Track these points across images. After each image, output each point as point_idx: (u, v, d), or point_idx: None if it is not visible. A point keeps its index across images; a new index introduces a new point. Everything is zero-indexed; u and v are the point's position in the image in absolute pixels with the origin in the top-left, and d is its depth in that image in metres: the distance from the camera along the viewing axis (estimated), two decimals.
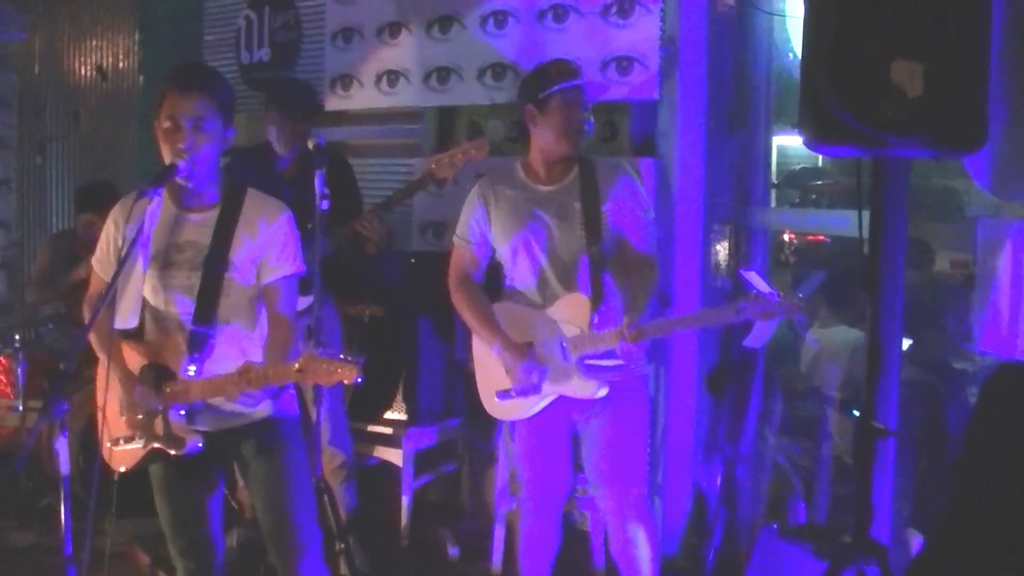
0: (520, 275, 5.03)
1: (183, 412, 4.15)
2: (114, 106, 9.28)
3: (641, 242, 4.90)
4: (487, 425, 6.71)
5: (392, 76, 7.42)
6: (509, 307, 5.05)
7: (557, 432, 5.03)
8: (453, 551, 6.59)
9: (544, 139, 4.93)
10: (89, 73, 9.26)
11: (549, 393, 4.90)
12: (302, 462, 4.40)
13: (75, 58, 9.25)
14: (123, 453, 4.25)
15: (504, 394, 4.96)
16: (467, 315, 5.09)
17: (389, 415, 6.72)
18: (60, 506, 3.54)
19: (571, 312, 4.87)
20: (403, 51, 7.37)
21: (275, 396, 4.23)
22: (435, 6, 7.19)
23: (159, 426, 4.14)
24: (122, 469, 4.32)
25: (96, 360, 4.31)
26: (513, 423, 5.18)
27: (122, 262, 3.95)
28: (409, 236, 7.26)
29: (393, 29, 7.43)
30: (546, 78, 4.96)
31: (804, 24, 4.02)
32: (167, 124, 4.09)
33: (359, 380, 3.83)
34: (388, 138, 7.83)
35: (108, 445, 4.28)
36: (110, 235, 4.36)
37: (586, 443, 5.03)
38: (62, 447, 3.57)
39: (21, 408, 7.03)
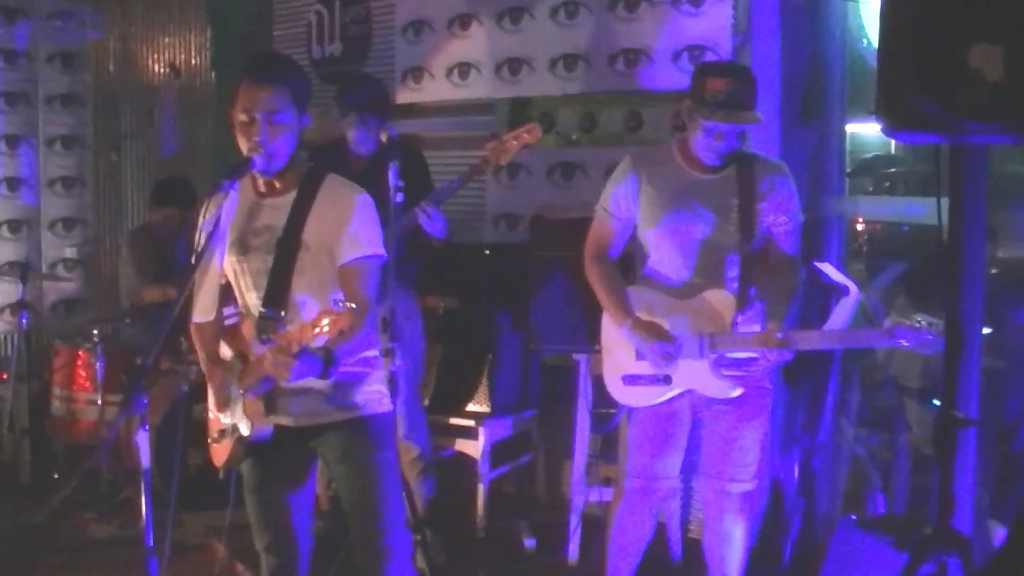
0: (663, 262, 4.95)
1: (260, 392, 4.10)
2: (187, 103, 9.35)
3: (789, 247, 4.86)
4: (563, 416, 6.71)
5: (463, 68, 7.42)
6: (646, 292, 4.96)
7: (678, 424, 5.00)
8: (529, 542, 6.58)
9: (694, 140, 4.84)
10: (162, 71, 9.34)
11: (678, 386, 4.86)
12: (391, 462, 4.36)
13: (148, 56, 9.33)
14: (218, 448, 4.31)
15: (632, 379, 4.92)
16: (600, 292, 4.99)
17: (467, 408, 6.74)
18: (139, 499, 3.56)
19: (714, 309, 4.82)
20: (474, 43, 7.37)
21: (359, 388, 4.27)
22: None
23: (238, 412, 4.17)
24: (220, 464, 4.35)
25: (172, 354, 4.37)
26: (632, 408, 5.08)
27: (199, 257, 3.97)
28: (482, 228, 7.26)
29: (464, 21, 7.43)
30: (710, 94, 4.74)
31: (881, 10, 3.96)
32: (242, 117, 4.08)
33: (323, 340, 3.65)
34: (460, 130, 7.82)
35: (210, 442, 4.36)
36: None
37: (705, 435, 5.01)
38: (142, 441, 3.59)
39: (100, 402, 7.10)
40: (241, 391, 4.12)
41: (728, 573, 5.08)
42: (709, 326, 4.78)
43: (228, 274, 4.29)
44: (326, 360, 3.84)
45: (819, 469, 5.96)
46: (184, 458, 4.49)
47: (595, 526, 6.15)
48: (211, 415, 4.35)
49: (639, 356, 4.88)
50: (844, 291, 5.28)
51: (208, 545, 6.24)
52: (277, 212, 4.18)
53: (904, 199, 6.14)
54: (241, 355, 4.20)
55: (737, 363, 4.78)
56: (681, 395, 4.89)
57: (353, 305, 3.62)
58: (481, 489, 6.67)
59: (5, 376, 7.91)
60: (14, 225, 8.94)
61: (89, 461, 6.79)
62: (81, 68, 9.19)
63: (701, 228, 4.83)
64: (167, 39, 9.32)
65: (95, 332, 7.26)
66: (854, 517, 5.67)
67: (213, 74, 9.35)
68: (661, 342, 4.76)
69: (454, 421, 6.70)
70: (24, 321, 7.58)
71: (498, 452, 6.81)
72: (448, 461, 6.69)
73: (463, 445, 6.69)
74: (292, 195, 4.19)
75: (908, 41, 3.81)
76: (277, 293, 4.15)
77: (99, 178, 9.26)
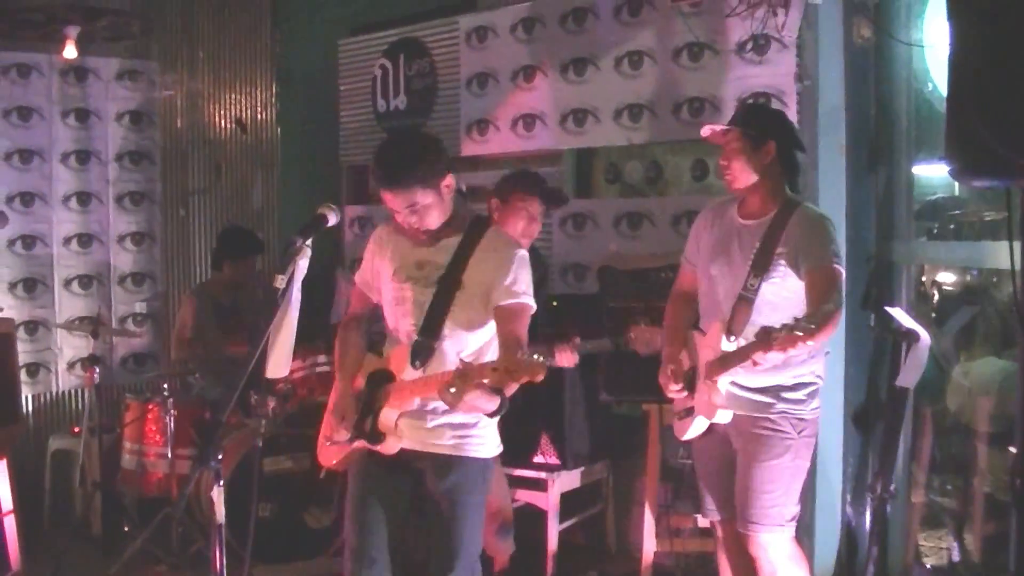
0: (703, 302, 5.17)
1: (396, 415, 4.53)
2: (254, 158, 9.44)
3: (818, 285, 4.72)
4: (633, 466, 6.69)
5: (528, 119, 7.47)
6: (696, 333, 5.14)
7: (720, 453, 5.09)
8: None
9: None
10: (229, 126, 9.44)
11: (698, 416, 4.98)
12: (480, 505, 4.67)
13: (216, 112, 9.43)
14: (331, 449, 4.74)
15: (680, 413, 5.12)
16: (665, 326, 5.31)
17: (536, 459, 6.72)
18: (210, 552, 3.59)
19: (713, 338, 4.92)
20: (539, 94, 7.42)
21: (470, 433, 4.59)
22: (569, 48, 7.23)
23: (367, 424, 4.56)
24: (332, 463, 4.82)
25: (243, 408, 4.46)
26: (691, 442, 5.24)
27: (274, 313, 4.05)
28: (551, 278, 7.28)
29: (528, 73, 7.48)
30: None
31: (950, 54, 3.94)
32: (386, 206, 4.50)
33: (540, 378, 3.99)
34: None
35: (324, 441, 4.80)
36: (372, 256, 4.81)
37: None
38: (218, 496, 3.62)
39: (170, 456, 7.14)
40: (375, 407, 4.56)
41: None
42: (709, 355, 4.89)
43: (386, 300, 4.70)
44: (501, 400, 4.23)
45: (892, 517, 5.89)
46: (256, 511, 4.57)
47: None
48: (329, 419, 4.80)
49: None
50: (915, 337, 5.27)
51: None
52: (439, 252, 4.57)
53: (973, 243, 6.06)
54: (381, 371, 4.64)
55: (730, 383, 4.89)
56: (710, 427, 5.02)
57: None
58: (551, 542, 6.64)
59: (77, 430, 7.97)
60: (85, 281, 9.03)
61: (163, 515, 6.83)
62: (149, 125, 9.29)
63: (731, 271, 4.96)
64: (233, 95, 9.43)
65: (165, 386, 7.31)
66: (929, 566, 5.61)
67: (279, 129, 9.44)
68: (667, 377, 5.06)
69: (523, 473, 6.68)
70: (96, 375, 7.65)
71: (568, 503, 6.79)
72: (518, 512, 6.66)
73: (531, 496, 6.67)
74: (457, 239, 4.57)
75: (977, 85, 3.78)
76: (433, 324, 4.53)
77: (168, 233, 9.34)
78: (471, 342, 4.58)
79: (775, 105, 6.17)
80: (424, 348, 4.51)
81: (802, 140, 5.18)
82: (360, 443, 4.60)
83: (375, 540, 4.59)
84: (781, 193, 4.97)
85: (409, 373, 4.51)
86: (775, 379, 4.82)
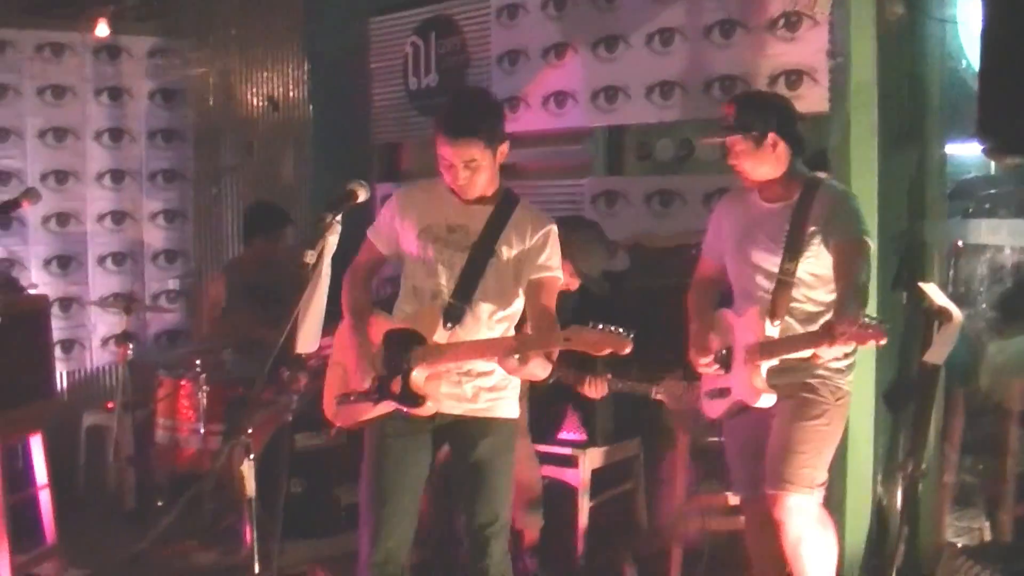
0: (734, 285, 5.20)
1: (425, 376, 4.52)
2: (286, 135, 9.45)
3: (848, 260, 4.80)
4: (664, 444, 6.68)
5: (559, 97, 7.46)
6: (726, 314, 5.17)
7: (753, 433, 5.11)
8: (630, 573, 6.55)
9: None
10: (261, 104, 9.45)
11: (735, 396, 5.01)
12: (512, 464, 4.79)
13: (247, 90, 9.44)
14: (352, 408, 4.61)
15: (709, 392, 5.17)
16: (689, 310, 5.34)
17: (564, 435, 6.72)
18: (241, 527, 3.62)
19: (753, 320, 4.92)
20: (569, 71, 7.41)
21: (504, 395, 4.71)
22: (600, 25, 7.21)
23: (397, 385, 4.49)
24: (352, 422, 4.74)
25: (274, 384, 4.47)
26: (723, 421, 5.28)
27: (304, 290, 4.07)
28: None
29: (559, 50, 7.47)
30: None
31: (983, 31, 3.93)
32: (442, 160, 4.50)
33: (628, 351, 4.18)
34: (557, 159, 7.85)
35: (334, 402, 4.70)
36: (394, 215, 4.76)
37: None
38: (248, 471, 3.64)
39: (202, 431, 7.17)
40: (405, 367, 4.50)
41: None
42: (750, 338, 4.89)
43: (409, 259, 4.70)
44: (552, 368, 4.41)
45: (923, 496, 5.88)
46: (287, 487, 4.59)
47: (697, 556, 6.11)
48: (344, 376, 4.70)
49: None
50: (948, 315, 5.26)
51: (310, 572, 6.28)
52: (472, 219, 4.64)
53: (1007, 221, 6.03)
54: (403, 331, 4.60)
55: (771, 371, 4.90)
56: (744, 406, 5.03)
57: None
58: (581, 519, 6.65)
59: (111, 405, 8.02)
60: (118, 258, 9.07)
61: (194, 490, 6.86)
62: (181, 103, 9.31)
63: (765, 256, 4.98)
64: (265, 73, 9.44)
65: (197, 363, 7.35)
66: (960, 545, 5.60)
67: (311, 107, 9.45)
68: (699, 357, 5.10)
69: (554, 449, 6.69)
70: (129, 351, 7.70)
71: (599, 480, 6.79)
72: (547, 489, 6.66)
73: (561, 473, 6.67)
74: (489, 208, 4.64)
75: (1010, 62, 3.77)
76: (467, 289, 4.59)
77: (200, 211, 9.37)
78: (501, 310, 4.68)
79: (807, 84, 6.17)
80: (457, 311, 4.57)
81: (796, 116, 5.17)
82: (386, 404, 4.57)
83: (397, 508, 4.62)
84: (799, 172, 5.02)
85: (441, 335, 4.55)
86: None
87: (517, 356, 4.26)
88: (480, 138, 4.47)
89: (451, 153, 4.47)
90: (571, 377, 6.05)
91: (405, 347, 4.54)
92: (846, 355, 4.90)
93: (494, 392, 4.71)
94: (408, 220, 4.69)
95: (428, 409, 4.54)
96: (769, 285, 4.94)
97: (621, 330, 4.20)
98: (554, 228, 4.73)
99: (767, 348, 4.83)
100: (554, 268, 4.68)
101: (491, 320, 4.66)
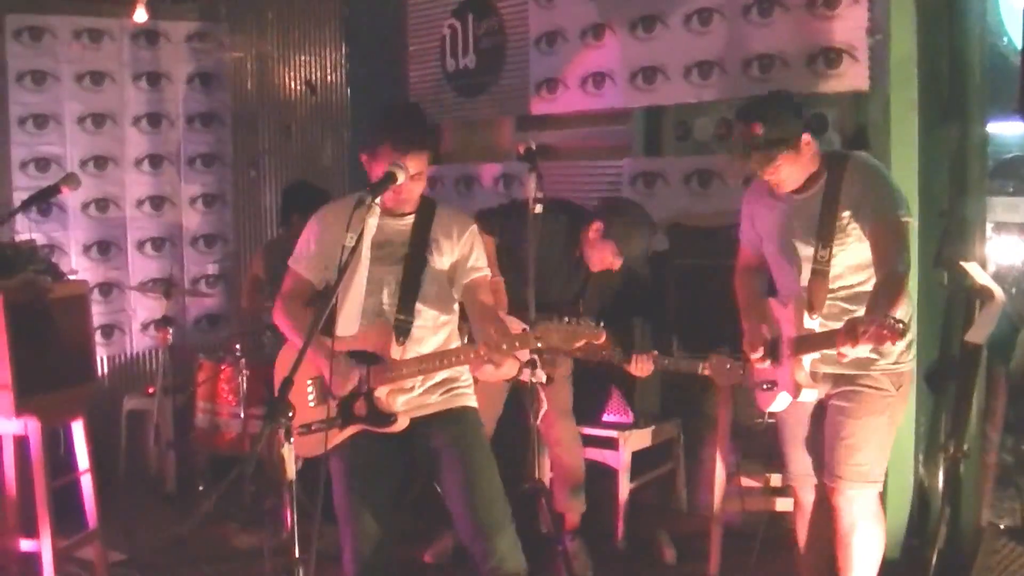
0: (776, 277, 5.14)
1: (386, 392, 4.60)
2: (324, 119, 9.46)
3: (885, 243, 4.70)
4: (705, 425, 6.67)
5: (598, 77, 7.44)
6: (775, 304, 5.07)
7: (807, 418, 5.10)
8: (670, 554, 6.55)
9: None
10: (299, 88, 9.46)
11: (781, 390, 4.92)
12: (487, 449, 4.75)
13: (285, 73, 9.45)
14: (312, 440, 4.48)
15: (764, 385, 5.05)
16: (738, 301, 5.27)
17: (606, 417, 6.72)
18: (282, 510, 3.62)
19: (793, 313, 4.85)
20: (607, 52, 7.38)
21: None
22: (638, 5, 7.19)
23: (361, 407, 4.57)
24: (320, 451, 4.50)
25: None
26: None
27: (342, 272, 4.06)
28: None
29: (596, 31, 7.45)
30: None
31: None
32: (387, 169, 4.42)
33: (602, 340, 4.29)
34: (596, 139, 7.83)
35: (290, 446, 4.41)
36: (319, 237, 4.78)
37: (824, 434, 5.03)
38: (288, 453, 3.64)
39: (243, 415, 7.20)
40: (366, 389, 4.58)
41: None
42: (789, 329, 4.85)
43: (348, 280, 4.56)
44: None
45: (964, 477, 5.84)
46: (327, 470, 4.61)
47: (736, 537, 6.10)
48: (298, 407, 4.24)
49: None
50: (990, 294, 5.21)
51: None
52: (397, 232, 4.70)
53: None
54: (355, 352, 4.63)
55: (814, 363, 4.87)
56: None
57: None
58: (621, 501, 6.65)
59: (152, 390, 8.06)
60: (157, 243, 9.10)
61: (234, 473, 6.89)
62: (219, 88, 9.33)
63: (800, 247, 4.90)
64: (303, 57, 9.45)
65: (237, 346, 7.37)
66: (1001, 526, 5.56)
67: (348, 90, 9.45)
68: (752, 352, 5.01)
69: (594, 431, 6.69)
70: (169, 336, 7.72)
71: (639, 462, 6.79)
72: (589, 471, 6.65)
73: (602, 455, 6.68)
74: (411, 218, 4.73)
75: None
76: (410, 302, 4.65)
77: (238, 195, 9.39)
78: (444, 315, 4.78)
79: (847, 62, 6.13)
80: (406, 324, 4.65)
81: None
82: (352, 428, 4.62)
83: (372, 523, 4.58)
84: (818, 156, 4.89)
85: (396, 351, 4.61)
86: None
87: (495, 358, 4.38)
88: (428, 149, 4.63)
89: (415, 163, 4.54)
90: (618, 356, 6.03)
91: (358, 368, 4.61)
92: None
93: (446, 387, 4.76)
94: (335, 244, 4.45)
95: (400, 425, 4.60)
96: (806, 277, 4.88)
97: (591, 320, 4.29)
98: (475, 227, 4.88)
99: (801, 343, 4.79)
100: (483, 268, 4.84)
101: (437, 326, 4.77)
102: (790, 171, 4.80)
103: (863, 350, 4.43)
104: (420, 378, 4.67)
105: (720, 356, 5.64)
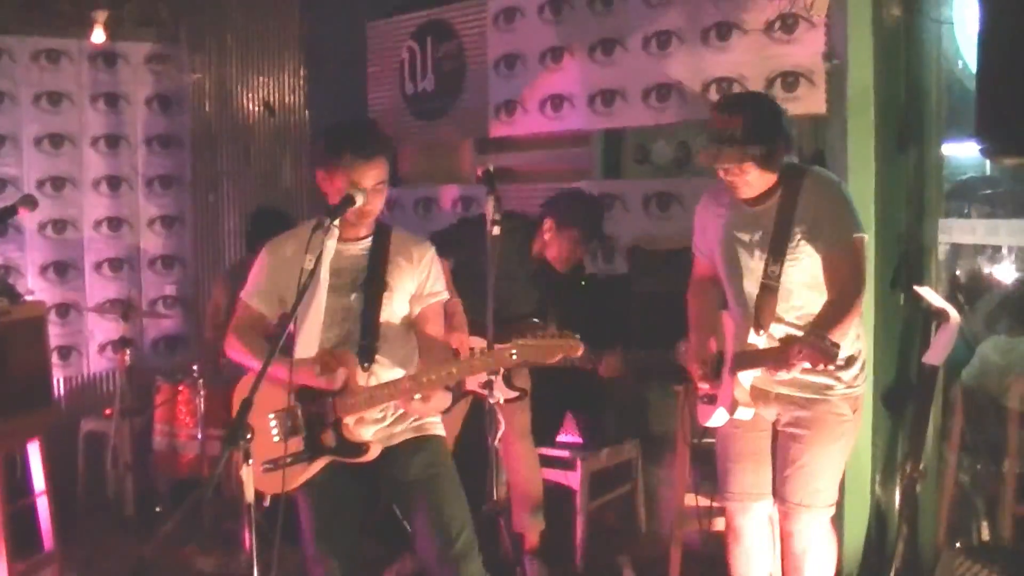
0: (727, 291, 5.03)
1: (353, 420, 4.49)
2: (283, 141, 9.46)
3: (838, 265, 4.67)
4: (662, 446, 6.69)
5: (556, 100, 7.46)
6: (726, 317, 5.02)
7: (750, 437, 5.03)
8: (629, 575, 6.55)
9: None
10: (258, 109, 9.45)
11: (720, 406, 4.88)
12: (455, 479, 4.65)
13: (244, 95, 9.44)
14: (278, 476, 4.35)
15: (703, 398, 5.02)
16: (688, 313, 5.20)
17: (563, 438, 6.74)
18: (241, 532, 3.61)
19: (736, 328, 4.86)
20: (567, 75, 7.42)
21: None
22: (596, 29, 7.22)
23: (329, 438, 4.44)
24: (286, 488, 4.40)
25: None
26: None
27: (300, 294, 4.06)
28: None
29: (556, 54, 7.49)
30: (707, 130, 4.91)
31: (980, 32, 3.94)
32: (349, 189, 4.42)
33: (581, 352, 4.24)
34: (555, 162, 7.86)
35: (259, 470, 4.35)
36: (273, 268, 4.67)
37: (776, 455, 5.01)
38: (247, 476, 3.63)
39: (201, 437, 7.18)
40: (332, 420, 4.45)
41: None
42: (735, 347, 4.82)
43: (305, 311, 4.49)
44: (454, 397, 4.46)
45: (922, 497, 5.88)
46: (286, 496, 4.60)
47: (696, 558, 6.12)
48: (259, 442, 4.18)
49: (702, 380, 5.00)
50: (946, 316, 5.25)
51: None
52: (354, 258, 4.62)
53: (1004, 221, 6.04)
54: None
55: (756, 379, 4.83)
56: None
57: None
58: (580, 521, 6.66)
59: (109, 412, 8.02)
60: (115, 264, 9.07)
61: (195, 496, 6.87)
62: (178, 109, 9.31)
63: (750, 261, 4.83)
64: (262, 78, 9.44)
65: (195, 368, 7.35)
66: (959, 545, 5.60)
67: (307, 112, 9.45)
68: (695, 367, 4.96)
69: (552, 452, 6.71)
70: (127, 357, 7.70)
71: (598, 482, 6.80)
72: (547, 491, 6.66)
73: (560, 476, 6.69)
74: (368, 241, 4.65)
75: (1008, 62, 3.77)
76: (372, 327, 4.56)
77: (197, 217, 9.36)
78: (404, 341, 4.71)
79: (804, 86, 6.17)
80: (370, 350, 4.56)
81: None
82: (321, 460, 4.50)
83: (341, 556, 4.56)
84: (778, 168, 4.77)
85: (361, 377, 4.49)
86: None
87: (418, 396, 4.36)
88: (387, 158, 4.57)
89: (375, 172, 4.50)
90: (588, 359, 6.05)
91: (322, 398, 4.47)
92: (852, 359, 4.81)
93: (414, 417, 4.67)
94: (290, 275, 4.46)
95: (372, 454, 4.52)
96: (754, 292, 4.82)
97: (569, 333, 4.24)
98: (433, 250, 4.80)
99: (741, 360, 4.76)
100: (440, 291, 4.78)
101: (400, 351, 4.68)
102: (756, 176, 4.69)
103: (798, 372, 4.47)
104: (392, 407, 4.59)
105: (686, 344, 5.64)
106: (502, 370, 5.18)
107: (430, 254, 4.77)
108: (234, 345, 4.68)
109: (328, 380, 4.44)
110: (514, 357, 4.26)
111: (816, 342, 4.22)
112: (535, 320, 6.15)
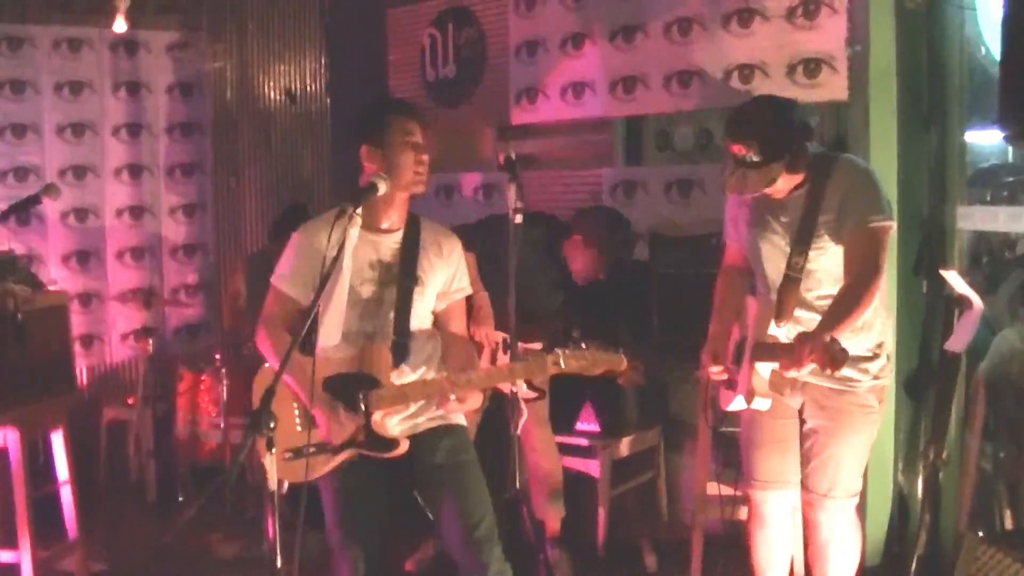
0: (756, 279, 5.01)
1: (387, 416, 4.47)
2: (304, 128, 9.47)
3: (856, 250, 4.61)
4: (684, 433, 6.68)
5: (578, 87, 7.45)
6: (751, 303, 5.01)
7: (774, 425, 5.00)
8: (651, 561, 6.56)
9: None
10: (279, 97, 9.46)
11: (740, 392, 4.87)
12: (477, 466, 4.67)
13: (265, 82, 9.45)
14: (301, 465, 4.31)
15: (726, 383, 5.00)
16: (714, 299, 5.16)
17: (583, 426, 6.73)
18: (264, 519, 3.61)
19: (759, 318, 4.85)
20: (588, 61, 7.40)
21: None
22: (618, 15, 7.20)
23: (358, 433, 4.39)
24: (311, 476, 4.42)
25: None
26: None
27: (323, 281, 4.05)
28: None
29: (576, 40, 7.46)
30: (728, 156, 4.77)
31: (1003, 17, 3.91)
32: (409, 143, 4.54)
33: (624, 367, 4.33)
34: (576, 149, 7.85)
35: (281, 457, 4.30)
36: (304, 252, 4.58)
37: (802, 445, 4.97)
38: (270, 463, 3.63)
39: (223, 425, 7.20)
40: (361, 415, 4.41)
41: None
42: (758, 335, 4.80)
43: (338, 303, 4.47)
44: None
45: (944, 484, 5.86)
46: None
47: (717, 545, 6.11)
48: (283, 430, 4.23)
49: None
50: (968, 303, 5.22)
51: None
52: (384, 250, 4.58)
53: None
54: (345, 375, 4.48)
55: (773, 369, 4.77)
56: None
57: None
58: (601, 509, 6.66)
59: (132, 400, 8.05)
60: (137, 252, 9.10)
61: (217, 482, 6.88)
62: (200, 97, 9.33)
63: (776, 251, 4.81)
64: (283, 66, 9.45)
65: (217, 356, 7.37)
66: (981, 533, 5.58)
67: (329, 99, 9.46)
68: (708, 355, 4.95)
69: (573, 440, 6.70)
70: (149, 346, 7.72)
71: (619, 470, 6.80)
72: (569, 479, 6.66)
73: (582, 464, 6.69)
74: (399, 234, 4.61)
75: None
76: (404, 323, 4.55)
77: (219, 204, 9.38)
78: (429, 336, 4.70)
79: (826, 72, 6.15)
80: (402, 347, 4.55)
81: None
82: (347, 454, 4.45)
83: (367, 546, 4.56)
84: (805, 159, 4.72)
85: (395, 375, 4.50)
86: (856, 346, 4.65)
87: (453, 397, 4.39)
88: (428, 125, 4.69)
89: (413, 130, 4.58)
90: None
91: (352, 391, 4.43)
92: (878, 349, 4.79)
93: (435, 406, 4.62)
94: (319, 258, 4.34)
95: (402, 449, 4.48)
96: (778, 280, 4.78)
97: (614, 349, 4.30)
98: (460, 245, 4.80)
99: (759, 351, 4.72)
100: (465, 287, 4.80)
101: (429, 347, 4.68)
102: (783, 181, 4.68)
103: (807, 372, 4.47)
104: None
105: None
106: None
107: (459, 249, 4.77)
108: (263, 340, 4.62)
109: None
110: (561, 367, 4.28)
111: (828, 346, 4.19)
112: (563, 323, 6.17)
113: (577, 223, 6.33)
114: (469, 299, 5.32)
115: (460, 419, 4.74)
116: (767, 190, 4.71)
